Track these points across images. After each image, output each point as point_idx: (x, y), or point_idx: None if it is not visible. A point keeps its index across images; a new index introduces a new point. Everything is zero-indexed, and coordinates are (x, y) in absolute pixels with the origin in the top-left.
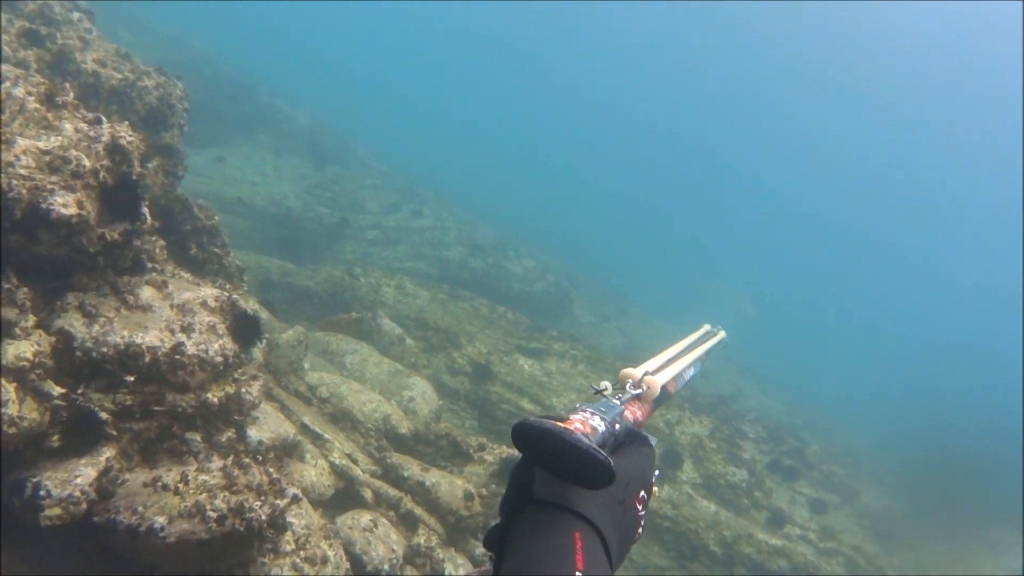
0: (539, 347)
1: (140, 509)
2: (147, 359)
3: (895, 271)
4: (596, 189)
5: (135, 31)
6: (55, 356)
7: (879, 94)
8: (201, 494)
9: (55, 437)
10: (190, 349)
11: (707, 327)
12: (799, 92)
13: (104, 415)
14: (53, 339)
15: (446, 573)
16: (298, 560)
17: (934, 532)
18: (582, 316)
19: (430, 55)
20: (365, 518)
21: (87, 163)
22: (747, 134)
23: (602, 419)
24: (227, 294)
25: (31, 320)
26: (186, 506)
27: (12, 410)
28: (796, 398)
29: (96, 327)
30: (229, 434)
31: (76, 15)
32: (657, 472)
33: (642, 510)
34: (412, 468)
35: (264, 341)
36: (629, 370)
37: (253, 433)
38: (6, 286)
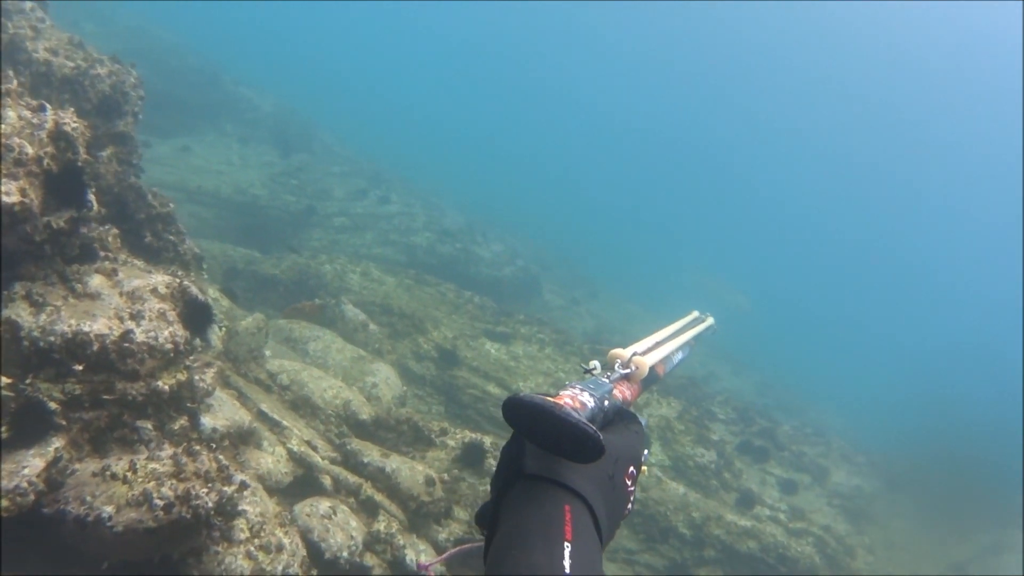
0: (506, 331)
1: (89, 499)
2: (95, 347)
3: (894, 271)
4: (576, 177)
5: (98, 22)
6: (2, 346)
7: (879, 94)
8: (149, 482)
9: (3, 428)
10: (139, 336)
11: (696, 313)
12: (799, 92)
13: (53, 405)
14: None
15: (407, 559)
16: (252, 548)
17: (906, 511)
18: (552, 300)
19: (396, 40)
20: (324, 505)
21: (30, 150)
22: (747, 135)
23: (591, 395)
24: (178, 281)
25: None
26: (134, 495)
27: None
28: (768, 380)
29: (43, 316)
30: (182, 422)
31: (28, 4)
32: (646, 452)
33: (632, 486)
34: (372, 454)
35: (222, 328)
36: (618, 350)
37: (207, 421)
38: None
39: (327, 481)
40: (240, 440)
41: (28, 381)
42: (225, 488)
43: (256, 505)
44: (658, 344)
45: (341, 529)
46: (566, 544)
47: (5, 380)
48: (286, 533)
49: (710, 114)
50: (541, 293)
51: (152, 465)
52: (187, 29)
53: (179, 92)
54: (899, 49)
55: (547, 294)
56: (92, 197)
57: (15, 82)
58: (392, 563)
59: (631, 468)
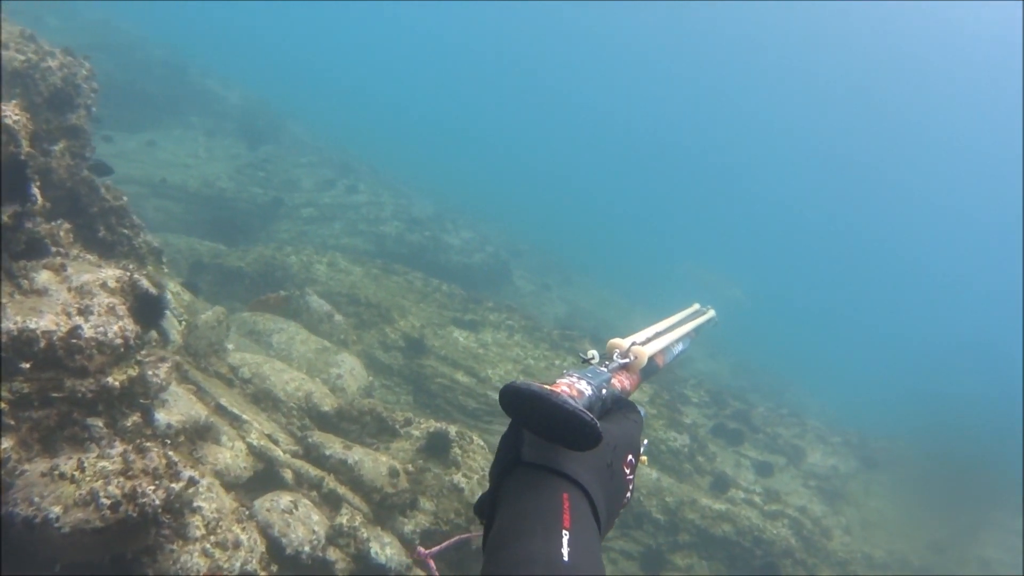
0: (475, 319)
1: (37, 500)
2: (42, 344)
3: (892, 266)
4: (559, 167)
5: (62, 17)
6: None
7: (880, 93)
8: (97, 481)
9: None
10: (88, 332)
11: (697, 306)
12: (796, 87)
13: (1, 405)
14: None
15: (372, 552)
16: (208, 545)
17: (883, 490)
18: (523, 286)
19: (367, 30)
20: (285, 499)
21: None
22: (744, 130)
23: (588, 383)
24: (128, 274)
25: None
26: (81, 494)
27: None
28: (744, 362)
29: None
30: (135, 418)
31: None
32: (645, 441)
33: (630, 474)
34: (334, 446)
35: (182, 323)
36: (617, 340)
37: (162, 416)
38: None
39: (288, 475)
40: (197, 435)
41: None
42: (173, 485)
43: (212, 501)
44: (658, 335)
45: (303, 523)
46: (564, 532)
47: None
48: (244, 529)
49: (703, 107)
50: (512, 279)
51: (101, 463)
52: (153, 22)
53: (144, 86)
54: (899, 49)
55: (518, 280)
56: (36, 191)
57: None
58: (356, 557)
59: (629, 456)
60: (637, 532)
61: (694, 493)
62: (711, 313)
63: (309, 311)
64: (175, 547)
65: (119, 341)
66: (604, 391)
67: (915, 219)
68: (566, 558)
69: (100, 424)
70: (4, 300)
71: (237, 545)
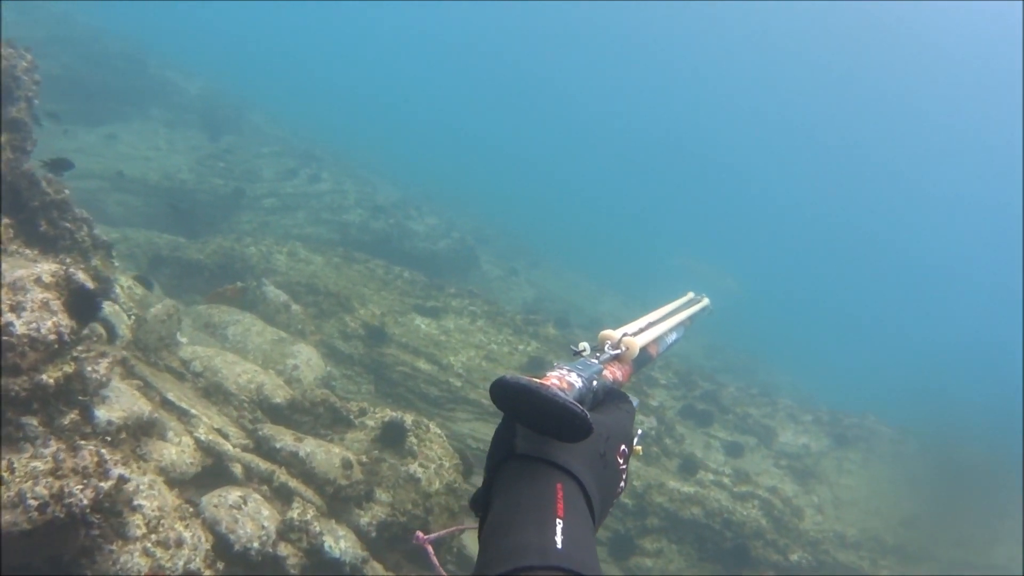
0: (437, 305)
1: None
2: None
3: (893, 265)
4: (536, 154)
5: (19, 10)
6: None
7: (879, 91)
8: (26, 482)
9: None
10: (20, 329)
11: (691, 294)
12: (798, 88)
13: None
14: None
15: (325, 546)
16: (149, 545)
17: (854, 467)
18: (490, 271)
19: (331, 15)
20: (234, 495)
21: None
22: (741, 124)
23: (579, 375)
24: (64, 269)
25: None
26: (10, 496)
27: None
28: (718, 343)
29: None
30: (73, 416)
31: None
32: (640, 431)
33: (623, 464)
34: (285, 439)
35: (131, 317)
36: (608, 331)
37: (102, 413)
38: None
39: (238, 469)
40: (141, 431)
41: None
42: (102, 484)
43: (154, 499)
44: (651, 325)
45: (251, 519)
46: (558, 521)
47: None
48: (187, 527)
49: (698, 97)
50: (479, 264)
51: (33, 463)
52: (113, 15)
53: (104, 78)
54: (899, 48)
55: (485, 265)
56: None
57: None
58: (309, 551)
59: (622, 446)
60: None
61: (662, 476)
62: (705, 301)
63: (266, 302)
64: (114, 547)
65: (52, 337)
66: (595, 383)
67: (914, 214)
68: (559, 546)
69: (35, 423)
70: None
71: (180, 543)
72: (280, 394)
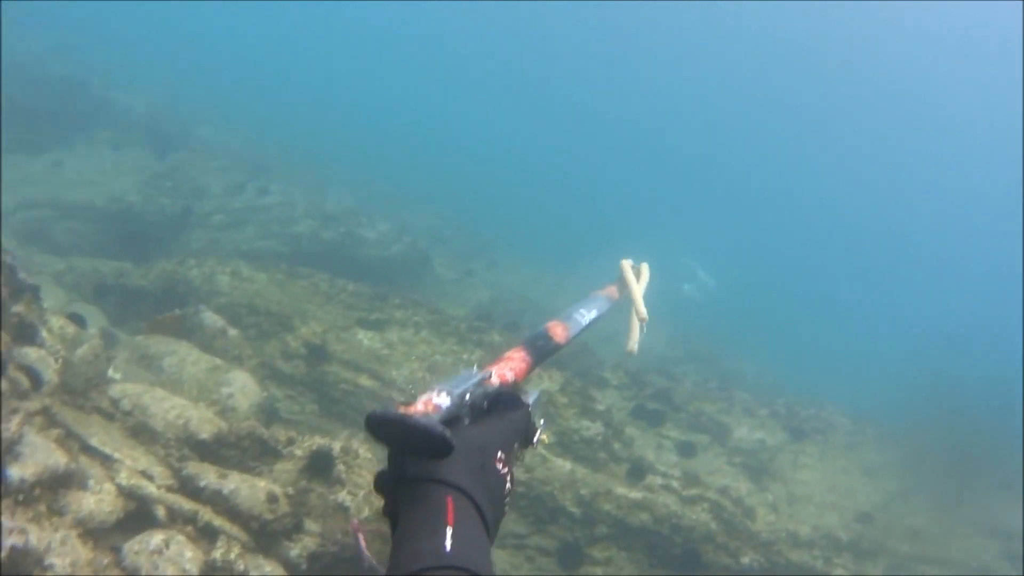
0: (381, 317)
1: None
2: None
3: (893, 265)
4: (489, 146)
5: None
6: None
7: (880, 89)
8: None
9: None
10: None
11: (629, 262)
12: (798, 86)
13: None
14: None
15: None
16: None
17: (811, 461)
18: (445, 273)
19: (274, 19)
20: (156, 539)
21: None
22: (744, 130)
23: (448, 394)
24: None
25: None
26: None
27: None
28: (679, 332)
29: None
30: None
31: None
32: (542, 421)
33: (504, 469)
34: (208, 476)
35: (58, 360)
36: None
37: (14, 471)
38: None
39: (161, 512)
40: (58, 484)
41: None
42: None
43: (66, 555)
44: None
45: (173, 563)
46: (448, 528)
47: None
48: None
49: (669, 79)
50: (432, 268)
51: None
52: (51, 36)
53: (47, 104)
54: (898, 48)
55: (439, 268)
56: None
57: None
58: None
59: (500, 453)
60: (552, 527)
61: (609, 483)
62: (644, 270)
63: (203, 328)
64: None
65: None
66: (469, 395)
67: (912, 215)
68: (448, 549)
69: None
70: None
71: None
72: (207, 429)
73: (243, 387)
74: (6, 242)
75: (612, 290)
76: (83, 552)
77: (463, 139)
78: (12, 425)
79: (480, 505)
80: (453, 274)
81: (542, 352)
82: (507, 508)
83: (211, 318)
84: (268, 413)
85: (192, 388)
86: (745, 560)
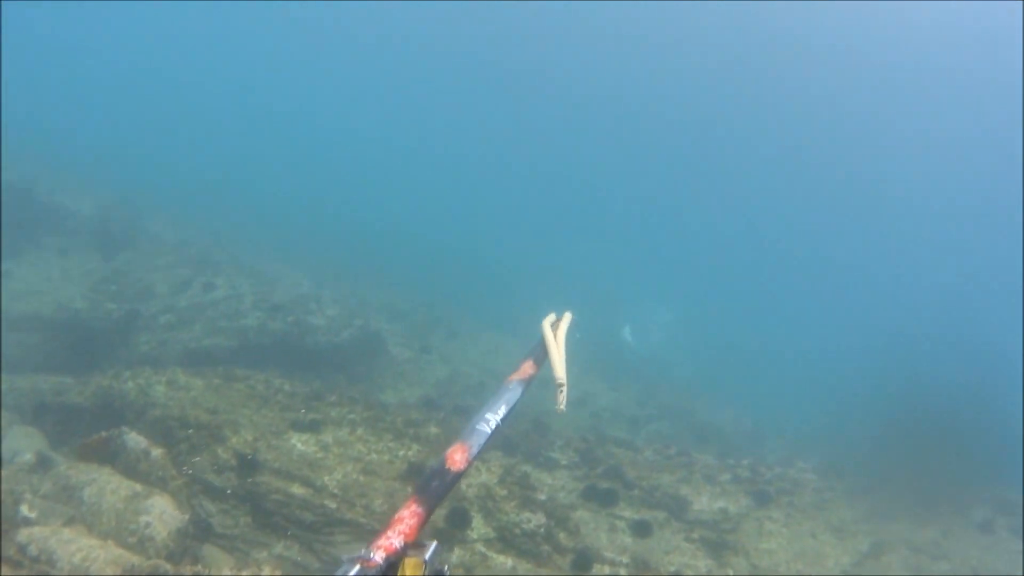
0: (316, 418)
1: None
2: None
3: (893, 270)
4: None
5: None
6: None
7: (880, 88)
8: None
9: None
10: None
11: (552, 317)
12: (797, 86)
13: None
14: None
15: None
16: None
17: (775, 528)
18: (399, 353)
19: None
20: None
21: None
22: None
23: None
24: None
25: None
26: None
27: None
28: (650, 387)
29: None
30: None
31: None
32: (447, 567)
33: None
34: None
35: None
36: None
37: None
38: None
39: None
40: None
41: None
42: None
43: None
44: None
45: None
46: None
47: None
48: None
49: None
50: (387, 349)
51: None
52: None
53: None
54: (898, 48)
55: (393, 348)
56: None
57: None
58: None
59: None
60: None
61: None
62: (565, 320)
63: (126, 451)
64: None
65: None
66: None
67: (912, 216)
68: None
69: None
70: None
71: None
72: (111, 571)
73: (161, 514)
74: None
75: (527, 366)
76: None
77: (416, 211)
78: None
79: None
80: (409, 352)
81: (437, 493)
82: None
83: (134, 440)
84: (190, 537)
85: (111, 519)
86: None
